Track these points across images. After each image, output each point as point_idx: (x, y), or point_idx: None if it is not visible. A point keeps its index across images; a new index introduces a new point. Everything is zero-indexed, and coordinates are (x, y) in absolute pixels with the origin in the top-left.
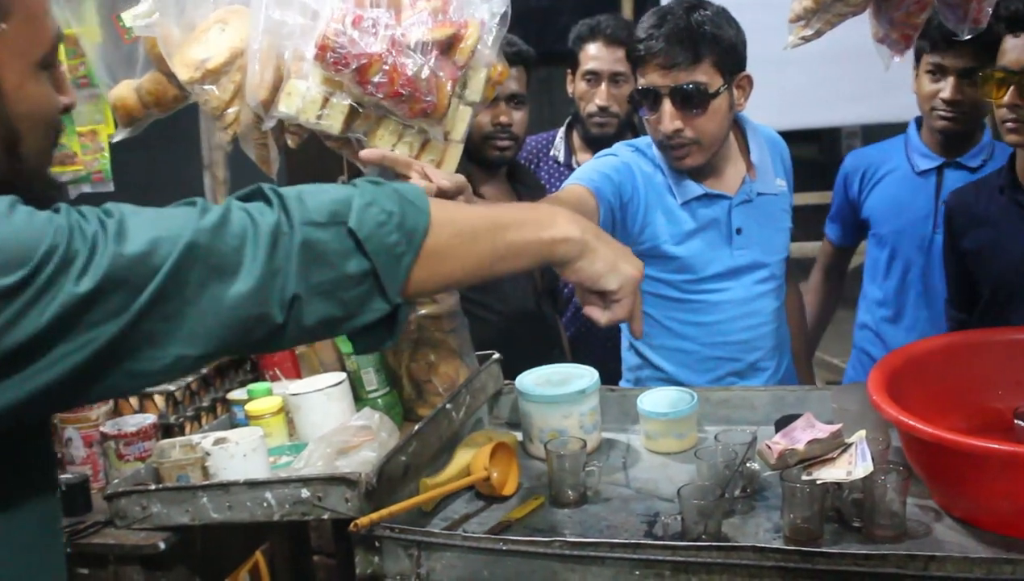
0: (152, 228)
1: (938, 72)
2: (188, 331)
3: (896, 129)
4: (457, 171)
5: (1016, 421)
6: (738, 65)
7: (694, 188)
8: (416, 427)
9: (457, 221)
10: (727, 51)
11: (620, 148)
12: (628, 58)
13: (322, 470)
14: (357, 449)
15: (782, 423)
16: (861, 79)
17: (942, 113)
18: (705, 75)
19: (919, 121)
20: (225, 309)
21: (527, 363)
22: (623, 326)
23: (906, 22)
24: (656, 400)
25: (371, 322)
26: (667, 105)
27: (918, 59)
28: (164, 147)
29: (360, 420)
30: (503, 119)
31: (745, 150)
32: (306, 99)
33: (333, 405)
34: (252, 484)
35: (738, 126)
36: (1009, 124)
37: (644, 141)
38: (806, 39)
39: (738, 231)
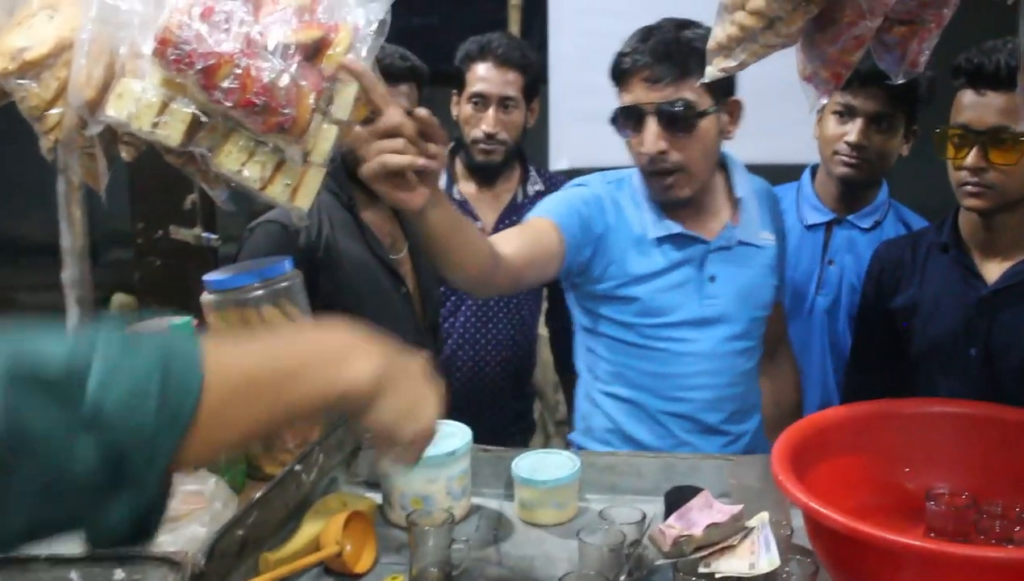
0: None
1: (846, 113)
2: None
3: (788, 172)
4: (339, 194)
5: (928, 504)
6: (728, 88)
7: (670, 225)
8: (257, 495)
9: (233, 376)
10: None
11: (594, 179)
12: (527, 70)
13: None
14: (186, 520)
15: (673, 496)
16: (754, 118)
17: (845, 158)
18: (693, 93)
19: (814, 170)
20: None
21: None
22: (582, 370)
23: (839, 60)
24: (534, 465)
25: (114, 524)
26: (651, 124)
27: None
28: (10, 146)
29: (192, 484)
30: None
31: (730, 193)
32: (140, 103)
33: None
34: (55, 561)
35: (724, 167)
36: (969, 188)
37: (626, 173)
38: (726, 71)
39: (711, 279)
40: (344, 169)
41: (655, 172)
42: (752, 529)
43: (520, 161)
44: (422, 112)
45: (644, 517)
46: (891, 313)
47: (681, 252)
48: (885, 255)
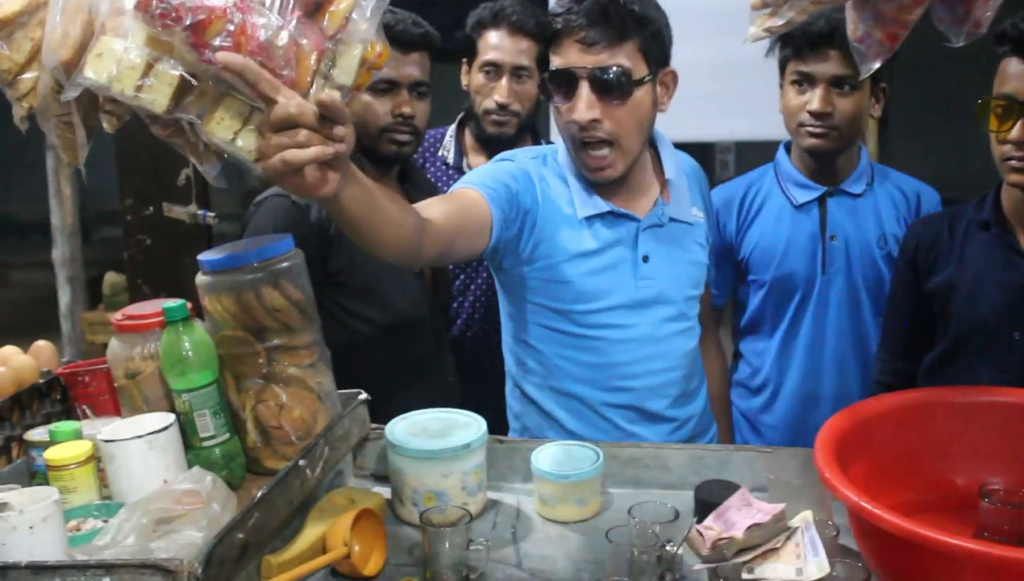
0: None
1: (804, 82)
2: None
3: (773, 148)
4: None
5: (982, 501)
6: (664, 57)
7: (599, 203)
8: (258, 493)
9: None
10: (654, 37)
11: (519, 154)
12: (540, 38)
13: (133, 552)
14: (180, 523)
15: (703, 491)
16: (738, 93)
17: (811, 129)
18: (629, 59)
19: (788, 146)
20: None
21: (410, 392)
22: (509, 364)
23: (896, 17)
24: (553, 457)
25: None
26: (584, 89)
27: (782, 71)
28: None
29: (187, 483)
30: (405, 109)
31: (659, 170)
32: (122, 64)
33: (156, 456)
34: (37, 569)
35: (652, 144)
36: (1014, 162)
37: (550, 149)
38: (771, 31)
39: (644, 259)
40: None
41: (585, 142)
42: (795, 529)
43: (533, 137)
44: (325, 97)
45: (677, 515)
46: (927, 294)
47: (612, 231)
48: (921, 232)
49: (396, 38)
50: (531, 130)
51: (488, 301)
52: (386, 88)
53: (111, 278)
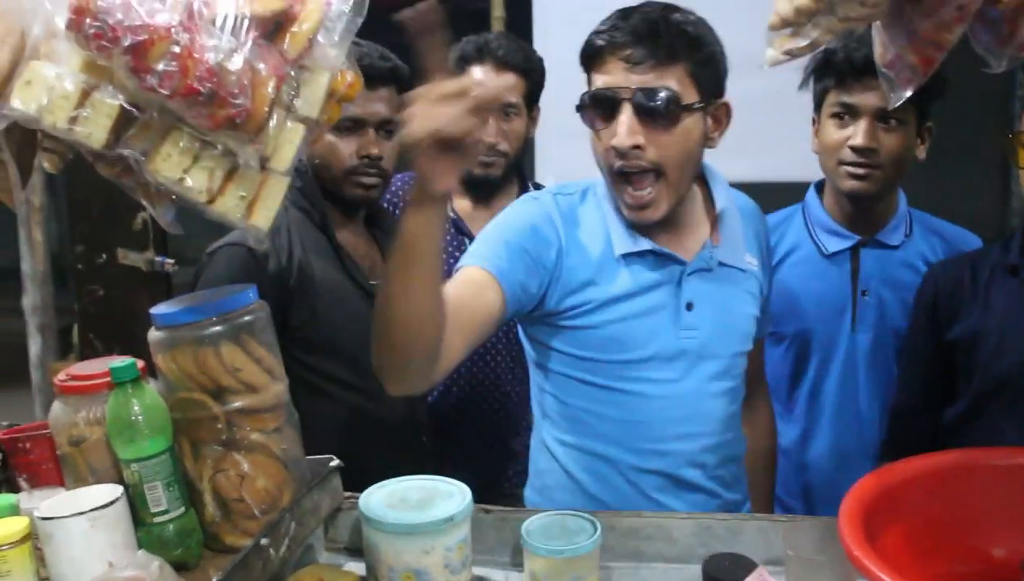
0: None
1: (847, 114)
2: None
3: (785, 192)
4: (311, 212)
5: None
6: (717, 87)
7: (639, 241)
8: (215, 579)
9: None
10: (707, 62)
11: (546, 194)
12: (528, 73)
13: None
14: None
15: (712, 566)
16: (743, 132)
17: (852, 169)
18: (678, 83)
19: (820, 186)
20: None
21: (385, 455)
22: (535, 411)
23: (932, 38)
24: (546, 530)
25: None
26: (626, 113)
27: (819, 103)
28: None
29: (130, 569)
30: (372, 150)
31: (710, 209)
32: (54, 92)
33: (100, 535)
34: None
35: (704, 180)
36: None
37: (588, 183)
38: (793, 54)
39: (688, 306)
40: (317, 183)
41: (625, 173)
42: None
43: (519, 179)
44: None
45: None
46: (948, 345)
47: (652, 273)
48: (941, 277)
49: (362, 73)
50: (518, 171)
51: (475, 354)
52: (351, 127)
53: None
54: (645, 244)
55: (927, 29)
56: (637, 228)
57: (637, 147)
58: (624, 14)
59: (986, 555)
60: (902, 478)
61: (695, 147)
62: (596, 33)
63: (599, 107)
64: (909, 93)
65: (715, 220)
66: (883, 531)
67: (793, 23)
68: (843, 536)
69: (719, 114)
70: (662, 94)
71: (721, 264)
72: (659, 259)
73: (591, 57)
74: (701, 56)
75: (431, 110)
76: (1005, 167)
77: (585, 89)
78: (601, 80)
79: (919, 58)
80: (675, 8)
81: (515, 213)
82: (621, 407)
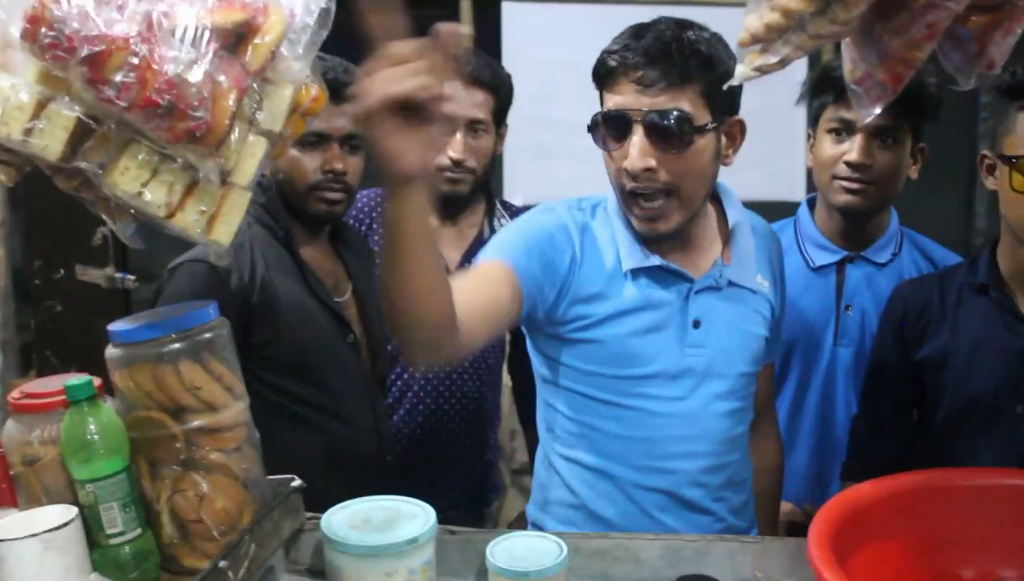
0: None
1: (844, 130)
2: None
3: (771, 209)
4: (274, 228)
5: None
6: (731, 105)
7: (649, 257)
8: None
9: None
10: (721, 81)
11: (560, 206)
12: (497, 89)
13: None
14: None
15: None
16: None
17: (846, 183)
18: (691, 104)
19: (812, 202)
20: None
21: (347, 475)
22: (541, 429)
23: (902, 56)
24: (511, 551)
25: None
26: (638, 135)
27: (816, 118)
28: None
29: None
30: (336, 165)
31: (723, 228)
32: (8, 103)
33: (54, 557)
34: None
35: (717, 198)
36: None
37: (600, 198)
38: (763, 70)
39: (695, 324)
40: (280, 198)
41: (637, 194)
42: None
43: (487, 196)
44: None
45: None
46: (916, 364)
47: (660, 289)
48: (909, 297)
49: (327, 87)
50: (485, 189)
51: (440, 372)
52: (315, 141)
53: None
54: (654, 260)
55: (897, 47)
56: (647, 244)
57: (649, 169)
58: (637, 32)
59: (956, 576)
60: (872, 499)
61: (708, 167)
62: (608, 53)
63: (611, 128)
64: (878, 110)
65: (727, 239)
66: (853, 553)
67: (763, 39)
68: (812, 558)
69: (733, 131)
70: (674, 116)
71: (731, 283)
72: (667, 275)
73: (603, 77)
74: (715, 76)
75: (383, 75)
76: (970, 187)
77: (556, 112)
78: (613, 101)
79: (889, 75)
80: (689, 25)
81: (530, 220)
82: (625, 423)
